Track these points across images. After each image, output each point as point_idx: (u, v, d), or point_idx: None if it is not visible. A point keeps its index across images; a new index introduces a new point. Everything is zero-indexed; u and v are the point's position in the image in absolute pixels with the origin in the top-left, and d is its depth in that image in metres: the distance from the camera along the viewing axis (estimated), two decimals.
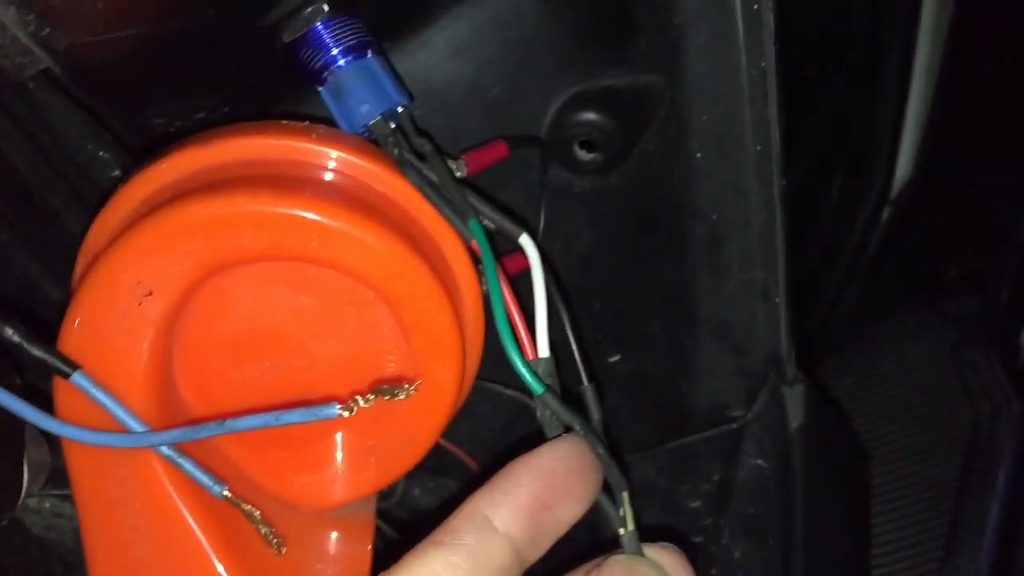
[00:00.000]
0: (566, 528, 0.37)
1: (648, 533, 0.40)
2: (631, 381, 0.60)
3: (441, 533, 0.37)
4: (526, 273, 0.41)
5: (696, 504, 0.60)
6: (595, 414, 0.40)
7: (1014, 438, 1.11)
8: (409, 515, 0.63)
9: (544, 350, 0.39)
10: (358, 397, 0.38)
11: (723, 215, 0.58)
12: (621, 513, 0.39)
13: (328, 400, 0.37)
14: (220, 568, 0.40)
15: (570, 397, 0.41)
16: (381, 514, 0.62)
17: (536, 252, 0.41)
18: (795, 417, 0.60)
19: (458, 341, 0.40)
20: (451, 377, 0.41)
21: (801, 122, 1.17)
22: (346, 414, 0.37)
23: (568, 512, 0.37)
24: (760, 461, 0.59)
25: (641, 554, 0.39)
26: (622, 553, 0.39)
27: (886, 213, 1.23)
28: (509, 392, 0.57)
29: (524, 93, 0.52)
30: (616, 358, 0.59)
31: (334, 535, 0.44)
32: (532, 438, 0.57)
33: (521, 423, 0.59)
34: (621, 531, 0.39)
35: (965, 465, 1.10)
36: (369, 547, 0.44)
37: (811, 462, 0.60)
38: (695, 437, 0.59)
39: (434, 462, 0.61)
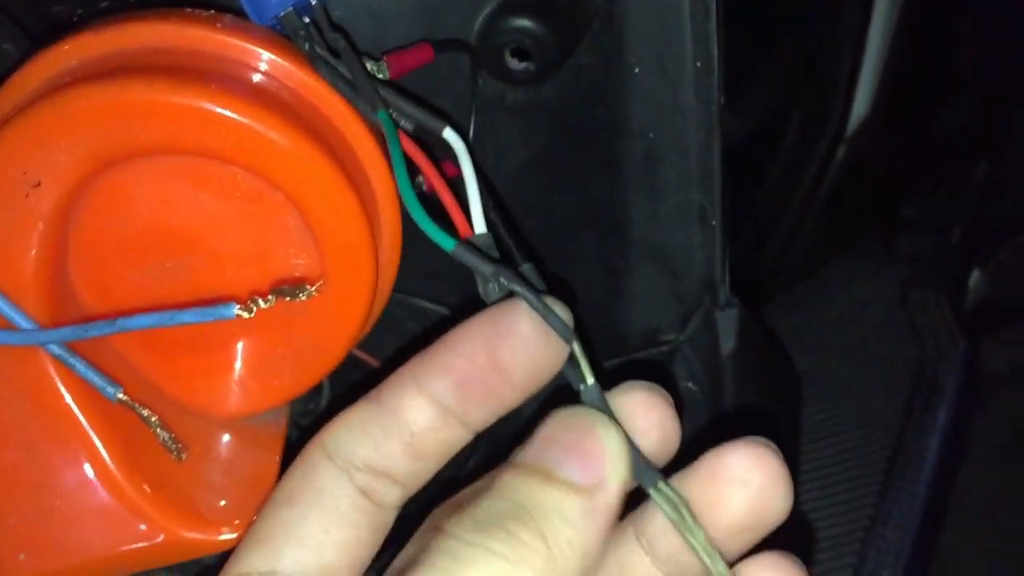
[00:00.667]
0: (514, 395, 0.35)
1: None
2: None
3: (365, 398, 0.36)
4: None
5: None
6: (480, 268, 0.38)
7: (957, 377, 1.12)
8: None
9: (480, 226, 0.38)
10: (258, 298, 0.36)
11: (660, 134, 0.56)
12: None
13: (229, 301, 0.36)
14: (116, 473, 0.38)
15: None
16: (303, 431, 0.61)
17: (461, 142, 0.39)
18: (727, 341, 0.59)
19: (369, 246, 0.39)
20: (362, 283, 0.40)
21: (760, 56, 1.16)
22: (245, 315, 0.36)
23: (512, 378, 0.35)
24: (690, 384, 0.59)
25: (604, 407, 0.36)
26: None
27: (842, 150, 1.23)
28: (432, 307, 0.55)
29: None
30: None
31: (239, 445, 0.43)
32: None
33: None
34: (581, 388, 0.36)
35: (908, 402, 1.11)
36: (277, 458, 0.43)
37: (742, 386, 0.59)
38: (625, 358, 0.58)
39: (359, 376, 0.60)
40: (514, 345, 0.35)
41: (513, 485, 0.33)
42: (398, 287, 0.54)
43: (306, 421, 0.59)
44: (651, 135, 0.56)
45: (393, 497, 0.36)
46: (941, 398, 1.10)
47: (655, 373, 0.60)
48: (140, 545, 0.38)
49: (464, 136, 0.40)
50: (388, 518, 0.36)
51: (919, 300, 1.18)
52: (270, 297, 0.36)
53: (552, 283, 0.38)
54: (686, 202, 0.58)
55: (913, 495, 1.03)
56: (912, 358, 1.14)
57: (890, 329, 1.18)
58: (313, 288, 0.36)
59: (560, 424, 0.34)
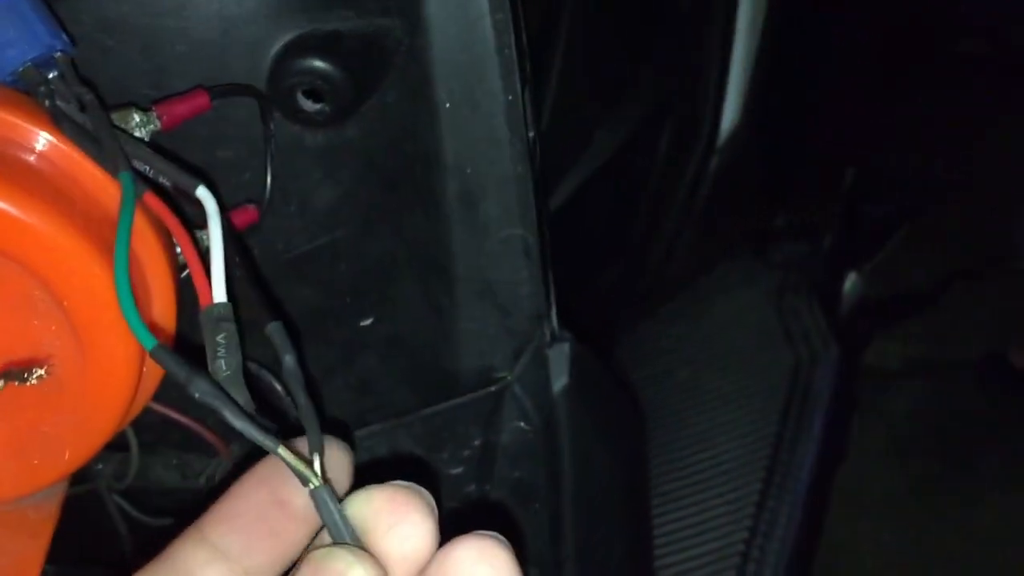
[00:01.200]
0: (299, 529, 0.34)
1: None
2: (386, 345, 0.57)
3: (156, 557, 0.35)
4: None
5: (457, 471, 0.58)
6: (287, 353, 0.36)
7: (830, 382, 1.14)
8: (156, 494, 0.59)
9: (220, 294, 0.36)
10: None
11: (477, 169, 0.55)
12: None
13: None
14: None
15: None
16: (122, 494, 0.58)
17: (213, 202, 0.37)
18: (559, 377, 0.58)
19: (122, 319, 0.36)
20: (118, 356, 0.37)
21: (632, 67, 1.15)
22: None
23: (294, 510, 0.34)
24: (522, 424, 0.57)
25: (337, 502, 0.33)
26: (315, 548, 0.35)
27: (715, 161, 1.23)
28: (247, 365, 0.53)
29: (239, 37, 0.47)
30: (368, 321, 0.56)
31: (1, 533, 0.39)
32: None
33: (265, 394, 0.55)
34: (310, 486, 0.34)
35: (783, 410, 1.12)
36: (43, 544, 0.40)
37: (577, 423, 0.58)
38: (451, 403, 0.57)
39: (177, 436, 0.57)
40: (294, 484, 0.33)
41: None
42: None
43: (120, 486, 0.56)
44: (468, 170, 0.54)
45: None
46: (816, 404, 1.11)
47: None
48: None
49: (213, 187, 0.38)
50: None
51: (792, 307, 1.19)
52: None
53: (296, 347, 0.36)
54: (510, 236, 0.56)
55: (792, 504, 1.04)
56: (787, 365, 1.15)
57: (766, 336, 1.19)
58: (43, 370, 0.33)
59: (312, 568, 0.31)
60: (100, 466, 0.57)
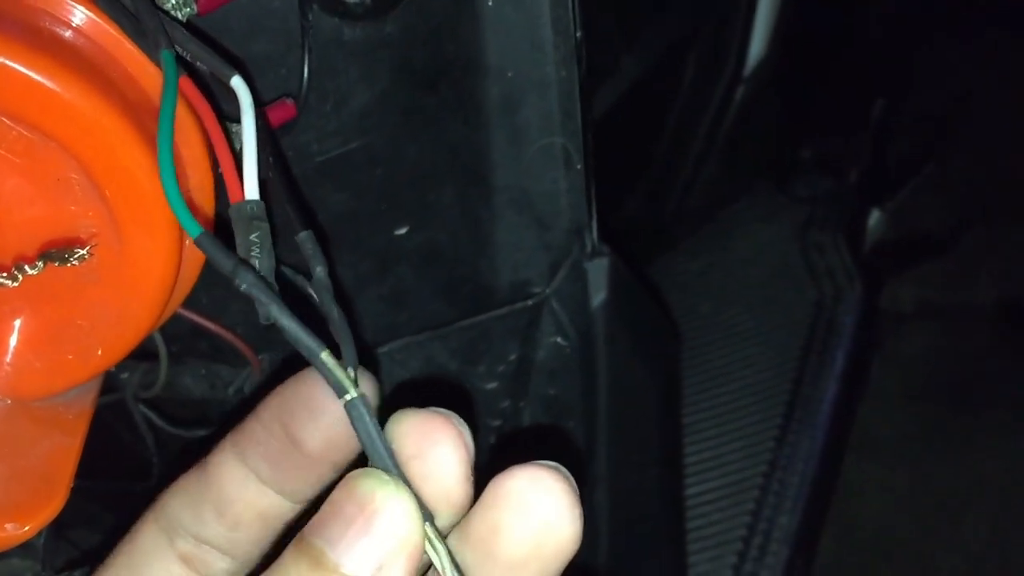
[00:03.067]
0: (320, 468, 0.34)
1: None
2: (422, 256, 0.55)
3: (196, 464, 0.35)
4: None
5: (492, 386, 0.56)
6: (319, 264, 0.35)
7: (853, 319, 1.12)
8: (182, 405, 0.57)
9: (253, 191, 0.34)
10: (24, 264, 0.32)
11: (519, 72, 0.52)
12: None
13: None
14: None
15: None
16: (149, 405, 0.57)
17: (247, 94, 0.35)
18: (597, 292, 0.56)
19: (164, 203, 0.34)
20: (158, 242, 0.35)
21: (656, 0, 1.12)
22: (9, 283, 0.32)
23: (309, 452, 0.33)
24: (559, 339, 0.56)
25: (373, 416, 0.31)
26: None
27: (740, 92, 1.21)
28: (282, 270, 0.51)
29: None
30: (403, 230, 0.54)
31: (31, 428, 0.38)
32: None
33: (297, 304, 0.54)
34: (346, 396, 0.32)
35: (806, 346, 1.10)
36: (77, 442, 0.39)
37: (614, 339, 0.57)
38: (487, 315, 0.55)
39: (206, 347, 0.56)
40: (304, 422, 0.33)
41: (288, 568, 0.29)
42: None
43: (147, 395, 0.55)
44: (509, 73, 0.52)
45: (218, 568, 0.35)
46: (839, 340, 1.09)
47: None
48: None
49: (249, 79, 0.36)
50: None
51: (817, 242, 1.17)
52: (38, 263, 0.32)
53: (329, 261, 0.34)
54: (550, 145, 0.54)
55: (812, 439, 1.03)
56: (810, 300, 1.14)
57: (788, 272, 1.17)
58: (85, 250, 0.32)
59: (345, 490, 0.29)
60: (126, 375, 0.55)
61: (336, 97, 0.50)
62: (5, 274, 0.31)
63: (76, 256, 0.32)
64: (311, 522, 0.29)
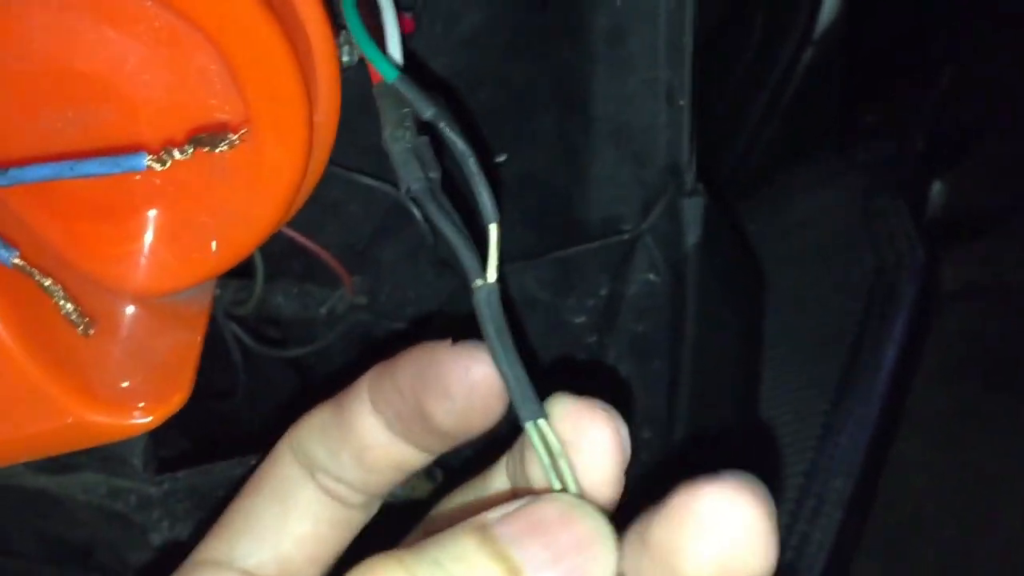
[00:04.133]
0: (446, 440, 0.34)
1: None
2: (518, 184, 0.54)
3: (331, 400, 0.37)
4: None
5: (580, 320, 0.56)
6: (421, 106, 0.35)
7: (915, 286, 1.11)
8: (271, 324, 0.57)
9: (398, 58, 0.34)
10: (173, 149, 0.32)
11: (627, 2, 0.52)
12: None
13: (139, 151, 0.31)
14: (13, 347, 0.34)
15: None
16: (238, 321, 0.57)
17: None
18: (692, 231, 0.55)
19: (300, 93, 0.34)
20: (293, 136, 0.35)
21: None
22: (158, 166, 0.32)
23: (437, 427, 0.33)
24: (651, 276, 0.55)
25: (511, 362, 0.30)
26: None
27: (808, 53, 1.19)
28: (378, 185, 0.51)
29: None
30: (503, 158, 0.53)
31: (156, 323, 0.38)
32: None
33: (393, 226, 0.53)
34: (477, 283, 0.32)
35: (865, 311, 1.09)
36: (199, 338, 0.39)
37: (705, 280, 0.56)
38: (582, 248, 0.54)
39: (299, 267, 0.56)
40: (437, 399, 0.33)
41: (475, 563, 0.27)
42: (339, 161, 0.49)
43: (240, 312, 0.55)
44: (618, 2, 0.51)
45: (356, 500, 0.36)
46: (899, 307, 1.08)
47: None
48: (42, 428, 0.34)
49: None
50: (354, 518, 0.36)
51: (879, 207, 1.15)
52: (187, 147, 0.32)
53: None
54: (653, 80, 0.54)
55: (868, 404, 1.02)
56: (870, 266, 1.12)
57: (849, 237, 1.16)
58: (236, 136, 0.31)
59: (551, 510, 0.28)
60: (218, 291, 0.55)
61: (446, 17, 0.49)
62: (154, 156, 0.31)
63: (227, 141, 0.32)
64: (499, 520, 0.27)
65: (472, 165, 0.32)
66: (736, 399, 0.66)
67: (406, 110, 0.34)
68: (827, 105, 1.24)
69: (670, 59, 0.53)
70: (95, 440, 0.35)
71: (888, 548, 1.30)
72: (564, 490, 0.29)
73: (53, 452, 0.37)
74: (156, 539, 0.60)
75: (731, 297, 0.60)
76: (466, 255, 0.32)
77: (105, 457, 0.58)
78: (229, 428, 0.61)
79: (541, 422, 0.30)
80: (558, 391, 0.31)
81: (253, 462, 0.47)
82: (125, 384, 0.35)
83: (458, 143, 0.32)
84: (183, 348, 0.38)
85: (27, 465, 0.62)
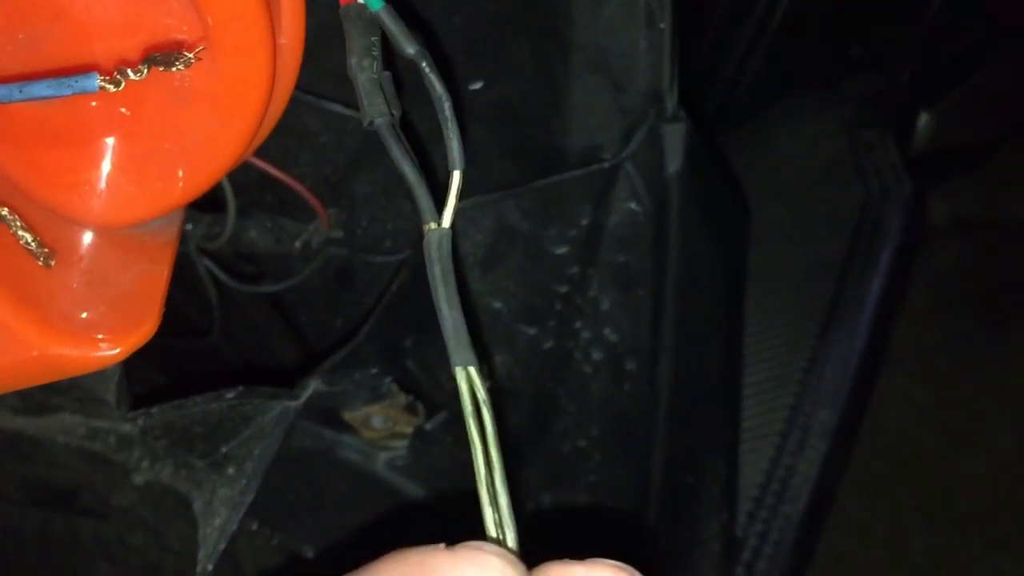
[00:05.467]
0: None
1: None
2: (494, 112, 0.53)
3: None
4: None
5: (562, 251, 0.55)
6: (404, 42, 0.34)
7: (901, 218, 1.10)
8: (247, 259, 0.56)
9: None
10: (126, 68, 0.30)
11: None
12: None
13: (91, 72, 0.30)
14: None
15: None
16: (211, 256, 0.56)
17: None
18: (674, 158, 0.54)
19: (261, 8, 0.33)
20: (255, 56, 0.34)
21: None
22: (111, 87, 0.30)
23: None
24: (633, 205, 0.54)
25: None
26: None
27: None
28: (352, 114, 0.49)
29: None
30: (478, 85, 0.52)
31: (121, 254, 0.37)
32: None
33: (368, 157, 0.52)
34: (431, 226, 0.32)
35: (851, 244, 1.09)
36: (166, 271, 0.38)
37: (687, 208, 0.55)
38: (563, 176, 0.53)
39: (272, 199, 0.54)
40: None
41: None
42: (311, 89, 0.48)
43: (212, 247, 0.54)
44: None
45: None
46: (885, 240, 1.08)
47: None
48: (6, 362, 0.33)
49: None
50: None
51: (866, 140, 1.14)
52: (141, 67, 0.31)
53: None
54: (632, 2, 0.52)
55: (853, 337, 1.02)
56: (857, 199, 1.12)
57: (835, 170, 1.15)
58: (192, 55, 0.30)
59: None
60: (190, 226, 0.54)
61: None
62: (107, 78, 0.30)
63: (182, 60, 0.30)
64: None
65: (447, 110, 0.32)
66: (721, 328, 0.66)
67: (375, 38, 0.33)
68: (813, 38, 1.22)
69: None
70: (62, 373, 0.34)
71: (871, 483, 1.32)
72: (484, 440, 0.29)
73: (21, 385, 0.36)
74: (138, 479, 0.60)
75: (714, 225, 0.59)
76: (423, 197, 0.32)
77: (81, 398, 0.58)
78: (206, 365, 0.61)
79: (471, 369, 0.30)
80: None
81: (230, 395, 0.46)
82: (89, 315, 0.34)
83: (436, 85, 0.32)
84: (149, 280, 0.37)
85: (3, 406, 0.62)
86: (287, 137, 0.42)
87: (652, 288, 0.56)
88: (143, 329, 0.35)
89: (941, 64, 1.28)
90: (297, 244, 0.53)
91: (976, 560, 1.24)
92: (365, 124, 0.33)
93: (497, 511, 0.28)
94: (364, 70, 0.34)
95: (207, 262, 0.54)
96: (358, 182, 0.53)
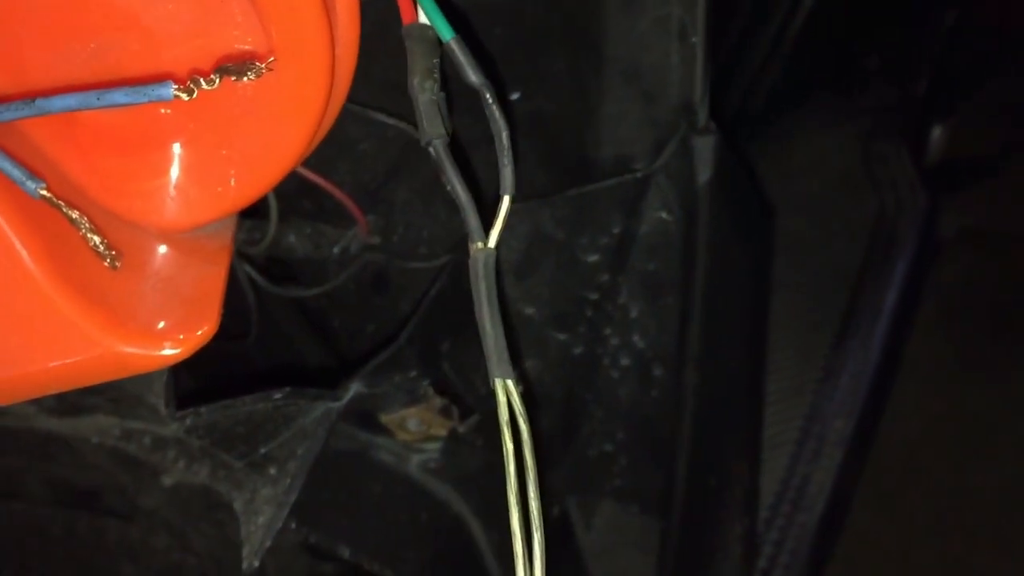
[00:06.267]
0: None
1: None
2: (530, 122, 0.54)
3: None
4: None
5: (594, 259, 0.56)
6: (471, 72, 0.35)
7: (915, 230, 1.11)
8: (280, 263, 0.58)
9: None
10: (199, 78, 0.32)
11: None
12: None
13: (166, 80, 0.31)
14: (42, 280, 0.34)
15: None
16: (250, 261, 0.57)
17: None
18: (704, 169, 0.55)
19: (323, 22, 0.34)
20: (315, 67, 0.35)
21: None
22: (184, 96, 0.31)
23: None
24: (664, 214, 0.55)
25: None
26: None
27: None
28: (394, 123, 0.51)
29: None
30: (516, 95, 0.53)
31: (181, 257, 0.38)
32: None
33: (407, 164, 0.53)
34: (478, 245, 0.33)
35: (866, 255, 1.10)
36: (223, 272, 0.39)
37: (716, 218, 0.56)
38: (596, 186, 0.55)
39: (311, 206, 0.56)
40: None
41: None
42: (352, 97, 0.49)
43: (252, 252, 0.55)
44: None
45: None
46: (899, 252, 1.09)
47: None
48: (74, 360, 0.35)
49: None
50: None
51: (880, 152, 1.15)
52: (213, 77, 0.32)
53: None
54: (665, 17, 0.53)
55: (868, 347, 1.03)
56: (871, 210, 1.13)
57: (850, 181, 1.16)
58: (263, 65, 0.31)
59: None
60: None
61: None
62: (181, 86, 0.31)
63: (253, 70, 0.31)
64: None
65: (505, 140, 0.33)
66: (745, 335, 0.67)
67: (435, 60, 0.35)
68: (829, 49, 1.23)
69: None
70: (127, 371, 0.35)
71: (884, 492, 1.32)
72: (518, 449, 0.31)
73: (83, 383, 0.37)
74: (167, 481, 0.61)
75: (742, 234, 0.60)
76: (472, 217, 0.34)
77: (117, 399, 0.59)
78: (232, 368, 0.62)
79: (509, 382, 0.31)
80: None
81: (277, 396, 0.48)
82: (152, 316, 0.35)
83: (497, 116, 0.33)
84: (208, 282, 0.38)
85: (39, 408, 0.63)
86: (328, 145, 0.43)
87: (680, 296, 0.57)
88: (204, 330, 0.36)
89: (955, 76, 1.29)
90: (336, 250, 0.54)
91: (988, 570, 1.25)
92: (423, 144, 0.35)
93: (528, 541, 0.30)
94: (425, 91, 0.35)
95: (247, 266, 0.56)
96: (396, 189, 0.54)
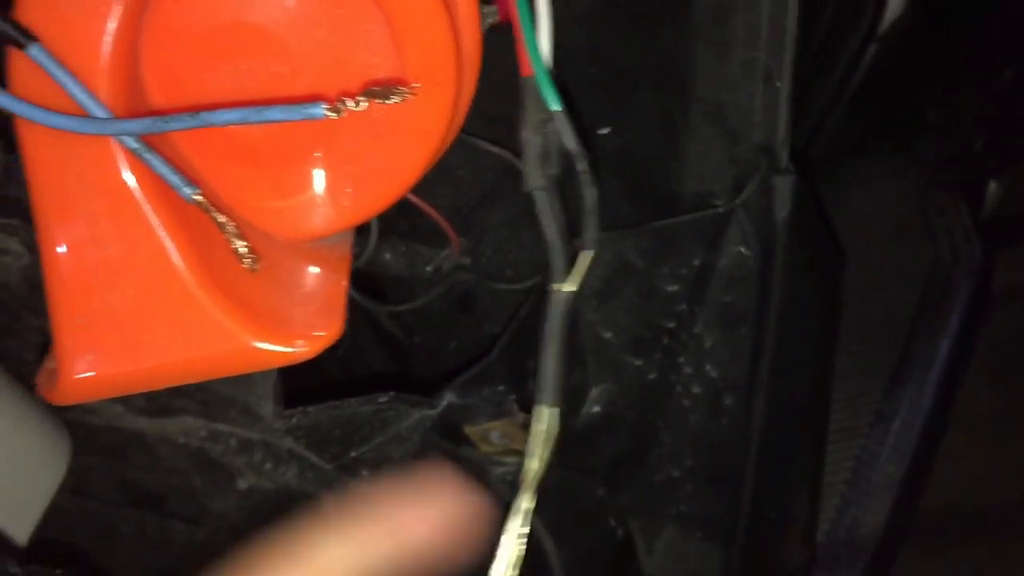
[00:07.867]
0: None
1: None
2: (618, 156, 0.57)
3: None
4: None
5: (673, 288, 0.59)
6: (569, 140, 0.38)
7: (971, 281, 1.12)
8: (375, 281, 0.60)
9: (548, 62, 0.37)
10: (346, 99, 0.35)
11: None
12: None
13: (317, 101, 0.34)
14: (189, 278, 0.37)
15: None
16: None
17: None
18: (782, 207, 0.58)
19: (453, 55, 0.37)
20: (442, 97, 0.38)
21: None
22: (333, 115, 0.34)
23: None
24: (743, 249, 0.57)
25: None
26: None
27: (873, 48, 1.20)
28: (495, 150, 0.54)
29: None
30: (606, 131, 0.56)
31: (308, 264, 0.41)
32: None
33: (502, 189, 0.56)
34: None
35: (920, 304, 1.11)
36: (344, 281, 0.42)
37: (793, 254, 0.58)
38: (679, 219, 0.57)
39: (407, 226, 0.59)
40: None
41: None
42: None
43: (354, 264, 0.58)
44: None
45: None
46: (954, 302, 1.10)
47: None
48: (212, 352, 0.37)
49: None
50: None
51: (938, 203, 1.17)
52: (360, 99, 0.35)
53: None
54: (752, 60, 0.56)
55: (921, 394, 1.04)
56: (927, 260, 1.14)
57: (907, 231, 1.17)
58: (408, 90, 0.34)
59: None
60: None
61: None
62: (330, 106, 0.34)
63: (399, 94, 0.34)
64: None
65: (591, 203, 0.36)
66: (812, 373, 0.68)
67: (547, 115, 0.37)
68: (890, 100, 1.25)
69: (771, 41, 0.55)
70: (259, 365, 0.38)
71: (930, 541, 1.32)
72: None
73: (222, 374, 0.40)
74: (242, 485, 0.63)
75: (815, 271, 0.62)
76: (558, 259, 0.37)
77: (207, 401, 0.61)
78: (300, 379, 0.64)
79: (555, 410, 0.34)
80: None
81: (382, 399, 0.50)
82: (285, 316, 0.38)
83: (589, 189, 0.36)
84: (332, 288, 0.41)
85: (127, 407, 0.65)
86: (431, 169, 0.46)
87: (754, 328, 0.59)
88: (331, 331, 0.39)
89: (1011, 133, 1.30)
90: (429, 268, 0.57)
91: None
92: (525, 190, 0.37)
93: None
94: (533, 144, 0.38)
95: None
96: (489, 214, 0.57)
